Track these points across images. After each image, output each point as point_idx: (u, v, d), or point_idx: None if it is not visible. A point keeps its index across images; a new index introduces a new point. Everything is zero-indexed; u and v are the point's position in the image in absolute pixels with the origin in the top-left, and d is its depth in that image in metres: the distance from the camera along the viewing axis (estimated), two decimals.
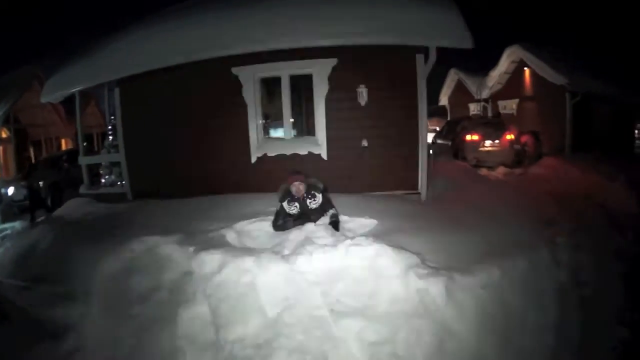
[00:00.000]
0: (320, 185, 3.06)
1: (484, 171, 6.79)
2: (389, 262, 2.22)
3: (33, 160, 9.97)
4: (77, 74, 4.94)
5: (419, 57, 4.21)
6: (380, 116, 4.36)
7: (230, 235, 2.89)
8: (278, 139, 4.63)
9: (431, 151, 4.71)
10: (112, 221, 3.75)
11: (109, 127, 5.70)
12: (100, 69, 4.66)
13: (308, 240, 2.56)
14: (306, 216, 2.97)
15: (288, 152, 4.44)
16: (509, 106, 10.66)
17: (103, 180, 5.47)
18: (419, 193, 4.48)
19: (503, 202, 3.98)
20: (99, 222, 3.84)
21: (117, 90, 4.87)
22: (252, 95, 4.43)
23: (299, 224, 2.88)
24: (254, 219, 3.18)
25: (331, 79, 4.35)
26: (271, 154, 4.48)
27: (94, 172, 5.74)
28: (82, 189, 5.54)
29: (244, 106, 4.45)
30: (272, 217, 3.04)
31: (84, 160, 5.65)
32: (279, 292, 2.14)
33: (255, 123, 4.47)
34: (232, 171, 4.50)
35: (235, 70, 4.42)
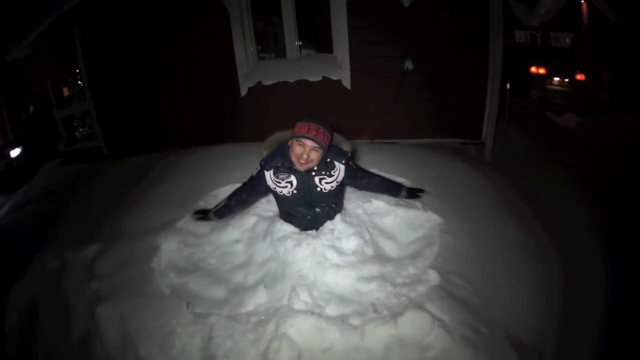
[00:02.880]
0: (347, 149, 1.65)
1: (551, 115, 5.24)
2: None
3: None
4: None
5: None
6: (433, 25, 2.80)
7: (165, 252, 1.69)
8: (277, 61, 3.22)
9: (508, 85, 3.11)
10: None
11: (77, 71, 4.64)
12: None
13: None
14: (306, 204, 1.62)
15: (292, 78, 3.03)
16: (562, 39, 8.72)
17: (77, 134, 4.55)
18: (482, 143, 3.00)
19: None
20: None
21: (76, 29, 3.65)
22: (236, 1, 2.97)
23: (304, 222, 1.62)
24: (222, 202, 1.94)
25: None
26: (267, 81, 3.09)
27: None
28: (60, 147, 4.73)
29: (225, 19, 3.01)
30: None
31: (58, 114, 4.75)
32: None
33: (242, 39, 3.05)
34: (213, 111, 3.22)
35: None
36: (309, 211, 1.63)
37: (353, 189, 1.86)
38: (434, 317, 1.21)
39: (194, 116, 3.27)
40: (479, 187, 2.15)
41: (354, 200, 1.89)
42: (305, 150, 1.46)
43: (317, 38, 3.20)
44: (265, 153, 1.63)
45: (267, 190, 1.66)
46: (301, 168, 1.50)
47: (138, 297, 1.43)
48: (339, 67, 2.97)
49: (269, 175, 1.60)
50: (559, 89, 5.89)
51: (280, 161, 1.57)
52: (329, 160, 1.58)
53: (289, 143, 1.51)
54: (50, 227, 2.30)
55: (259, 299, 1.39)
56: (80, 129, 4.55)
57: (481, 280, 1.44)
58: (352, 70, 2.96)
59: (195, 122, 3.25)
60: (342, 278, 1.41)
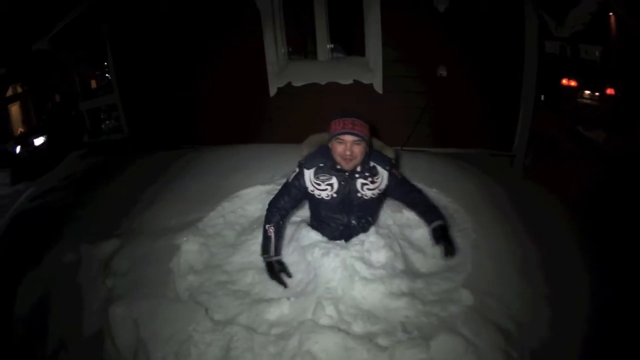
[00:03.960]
0: (391, 155, 1.57)
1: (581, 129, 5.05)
2: None
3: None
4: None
5: None
6: (468, 32, 2.70)
7: (185, 253, 1.63)
8: (308, 62, 3.16)
9: (543, 97, 2.99)
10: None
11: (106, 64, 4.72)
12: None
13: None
14: (344, 211, 1.49)
15: (323, 80, 2.96)
16: (590, 52, 8.47)
17: (102, 127, 4.63)
18: (514, 156, 2.90)
19: None
20: None
21: (105, 25, 3.71)
22: (269, 1, 2.93)
23: (336, 232, 1.50)
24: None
25: None
26: (298, 82, 3.03)
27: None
28: (85, 138, 4.82)
29: (257, 19, 2.98)
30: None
31: (83, 106, 4.85)
32: None
33: (273, 37, 3.00)
34: (241, 110, 3.18)
35: None
36: (343, 220, 1.51)
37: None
38: (467, 341, 1.13)
39: (221, 114, 3.25)
40: (510, 202, 2.03)
41: (384, 209, 1.78)
42: (347, 147, 1.39)
43: (349, 40, 3.15)
44: (304, 152, 1.56)
45: (305, 195, 1.52)
46: (348, 166, 1.42)
47: (154, 300, 1.36)
48: (370, 71, 2.88)
49: (309, 175, 1.48)
50: (589, 103, 5.66)
51: (323, 161, 1.47)
52: (372, 164, 1.48)
53: (330, 145, 1.44)
54: (68, 219, 2.27)
55: (282, 310, 1.31)
56: (107, 122, 4.62)
57: (516, 303, 1.34)
58: (384, 75, 2.87)
59: (221, 120, 3.23)
60: (370, 292, 1.32)
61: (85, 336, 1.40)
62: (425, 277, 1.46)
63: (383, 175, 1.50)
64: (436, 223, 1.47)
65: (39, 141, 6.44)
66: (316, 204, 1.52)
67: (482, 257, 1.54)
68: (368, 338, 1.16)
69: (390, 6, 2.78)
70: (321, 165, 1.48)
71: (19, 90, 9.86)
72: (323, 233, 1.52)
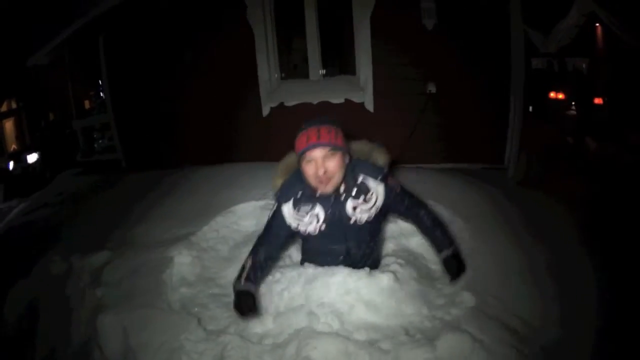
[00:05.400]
0: (382, 161, 1.31)
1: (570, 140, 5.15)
2: None
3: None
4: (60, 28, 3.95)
5: None
6: (456, 49, 2.77)
7: (178, 266, 1.60)
8: (300, 81, 3.18)
9: (531, 108, 3.04)
10: None
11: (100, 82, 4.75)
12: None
13: None
14: (339, 241, 1.26)
15: (315, 99, 2.98)
16: (578, 64, 8.77)
17: (96, 146, 4.61)
18: (505, 169, 2.93)
19: None
20: None
21: (100, 40, 3.75)
22: (261, 18, 2.99)
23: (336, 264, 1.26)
24: (239, 219, 1.92)
25: None
26: (290, 102, 3.06)
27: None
28: (78, 157, 4.80)
29: (249, 36, 3.04)
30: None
31: (77, 124, 4.85)
32: None
33: (266, 57, 3.05)
34: (234, 130, 3.19)
35: None
36: (341, 249, 1.25)
37: None
38: (473, 338, 1.08)
39: (215, 134, 3.26)
40: (507, 208, 2.05)
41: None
42: (318, 164, 1.13)
43: (340, 59, 3.20)
44: (278, 182, 1.29)
45: (290, 233, 1.28)
46: (326, 189, 1.16)
47: (145, 309, 1.34)
48: (361, 90, 2.93)
49: (287, 210, 1.23)
50: (578, 114, 5.81)
51: (300, 188, 1.22)
52: (360, 179, 1.21)
53: (302, 164, 1.19)
54: (59, 232, 2.27)
55: (278, 320, 1.23)
56: (100, 141, 4.61)
57: (516, 302, 1.33)
58: (375, 93, 2.92)
59: (215, 140, 3.24)
60: (370, 302, 1.23)
61: (74, 346, 1.37)
62: (425, 282, 1.41)
63: (377, 190, 1.22)
64: (446, 252, 1.27)
65: (32, 158, 6.43)
66: (306, 241, 1.32)
67: (480, 261, 1.52)
68: (369, 343, 1.10)
69: (379, 25, 2.84)
70: (299, 194, 1.23)
71: (14, 106, 9.86)
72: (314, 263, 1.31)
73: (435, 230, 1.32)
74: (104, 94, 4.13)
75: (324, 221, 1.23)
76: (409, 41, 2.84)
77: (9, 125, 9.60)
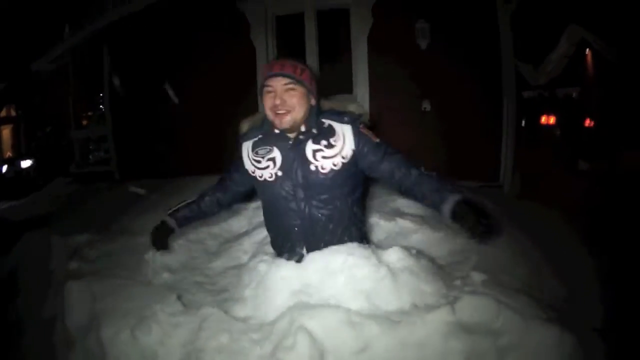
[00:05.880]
0: (354, 109, 1.14)
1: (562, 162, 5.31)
2: None
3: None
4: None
5: None
6: (450, 67, 2.85)
7: (162, 251, 1.45)
8: None
9: (523, 122, 3.11)
10: None
11: (100, 95, 4.81)
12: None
13: None
14: (297, 197, 1.07)
15: None
16: (568, 93, 8.97)
17: (90, 157, 4.60)
18: (500, 186, 2.96)
19: None
20: None
21: (105, 50, 3.84)
22: (263, 37, 3.11)
23: (292, 235, 1.10)
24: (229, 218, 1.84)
25: (377, 10, 2.92)
26: None
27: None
28: (72, 168, 4.77)
29: (251, 52, 3.13)
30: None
31: (75, 134, 4.86)
32: None
33: None
34: (234, 143, 3.21)
35: (241, 5, 3.14)
36: (299, 211, 1.06)
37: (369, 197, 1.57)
38: (498, 300, 0.94)
39: (213, 147, 3.26)
40: (508, 211, 1.98)
41: (373, 216, 1.58)
42: (277, 94, 1.02)
43: (337, 77, 3.28)
44: (245, 127, 1.19)
45: (247, 180, 1.15)
46: (282, 123, 1.02)
47: (120, 279, 1.26)
48: (359, 107, 2.98)
49: (247, 150, 1.12)
50: (570, 137, 5.99)
51: (262, 131, 1.11)
52: (326, 123, 1.06)
53: (264, 100, 1.06)
54: (45, 220, 2.30)
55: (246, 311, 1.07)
56: (95, 153, 4.61)
57: (532, 278, 1.26)
58: (371, 110, 2.96)
59: (214, 152, 3.24)
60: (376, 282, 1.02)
61: (45, 315, 1.31)
62: (434, 268, 1.21)
63: (344, 133, 1.05)
64: (453, 199, 0.97)
65: (26, 164, 6.40)
66: (263, 193, 1.14)
67: (487, 249, 1.39)
68: (376, 315, 0.93)
69: (376, 42, 2.94)
70: (261, 135, 1.12)
71: (13, 113, 9.89)
72: (276, 241, 1.16)
73: (428, 183, 1.03)
74: (104, 106, 4.17)
75: (281, 166, 1.07)
76: (404, 60, 2.93)
77: (6, 132, 9.60)
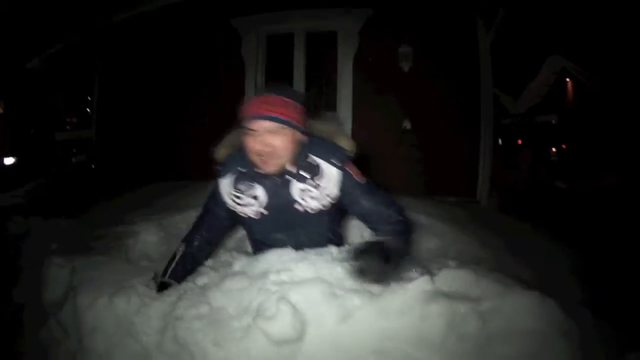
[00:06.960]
0: (347, 146, 1.06)
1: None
2: None
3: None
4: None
5: (480, 22, 2.93)
6: (430, 89, 3.02)
7: (144, 241, 1.59)
8: None
9: (500, 141, 3.28)
10: None
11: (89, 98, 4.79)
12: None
13: None
14: (286, 229, 1.08)
15: None
16: (547, 120, 9.70)
17: (73, 160, 4.54)
18: (478, 202, 3.07)
19: None
20: None
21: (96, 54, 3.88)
22: (254, 53, 3.23)
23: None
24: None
25: (363, 34, 3.09)
26: None
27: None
28: (53, 169, 4.68)
29: (241, 67, 3.24)
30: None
31: (60, 137, 4.81)
32: None
33: (254, 86, 3.23)
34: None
35: (235, 22, 3.27)
36: (290, 239, 1.04)
37: None
38: (475, 272, 0.96)
39: (197, 155, 3.29)
40: (473, 219, 2.14)
41: (350, 225, 1.57)
42: (262, 138, 0.94)
43: (323, 94, 3.40)
44: (221, 154, 1.09)
45: (231, 214, 1.08)
46: (267, 168, 0.97)
47: (102, 257, 1.26)
48: (341, 124, 3.09)
49: (224, 185, 1.05)
50: (545, 158, 6.36)
51: (243, 164, 1.02)
52: (312, 161, 1.00)
53: (244, 137, 0.99)
54: (26, 208, 2.23)
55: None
56: (78, 156, 4.55)
57: (505, 266, 1.37)
58: (354, 128, 3.09)
59: (198, 162, 3.27)
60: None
61: (17, 303, 1.31)
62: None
63: (330, 175, 1.00)
64: (383, 237, 0.99)
65: (8, 161, 6.21)
66: (247, 227, 1.11)
67: (462, 246, 1.57)
68: (357, 289, 0.92)
69: (361, 64, 3.09)
70: (241, 170, 1.04)
71: (0, 110, 9.60)
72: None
73: (390, 230, 1.02)
74: (91, 109, 4.16)
75: (266, 205, 1.03)
76: (387, 81, 3.08)
77: None
